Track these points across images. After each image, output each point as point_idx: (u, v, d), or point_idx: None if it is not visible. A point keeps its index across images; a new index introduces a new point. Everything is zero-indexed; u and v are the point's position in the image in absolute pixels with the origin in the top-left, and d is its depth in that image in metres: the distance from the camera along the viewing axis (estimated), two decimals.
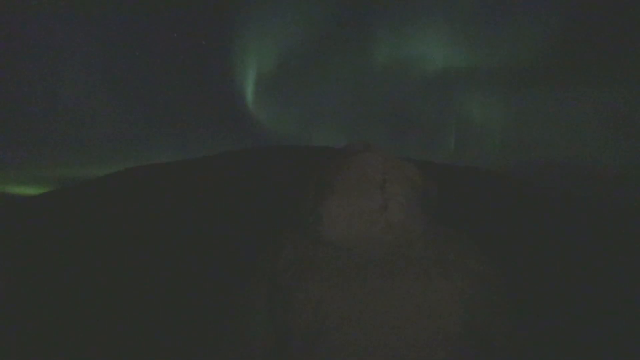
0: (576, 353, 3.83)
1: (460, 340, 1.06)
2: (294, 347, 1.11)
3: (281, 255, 1.28)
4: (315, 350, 1.08)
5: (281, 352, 1.16)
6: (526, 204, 8.18)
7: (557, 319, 4.26)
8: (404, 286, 1.09)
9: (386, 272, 1.12)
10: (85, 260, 4.90)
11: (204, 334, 3.53)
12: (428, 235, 1.24)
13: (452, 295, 1.08)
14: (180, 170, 8.29)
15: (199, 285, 4.20)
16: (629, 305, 4.86)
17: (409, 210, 1.24)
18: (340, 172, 1.30)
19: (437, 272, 1.11)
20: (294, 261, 1.23)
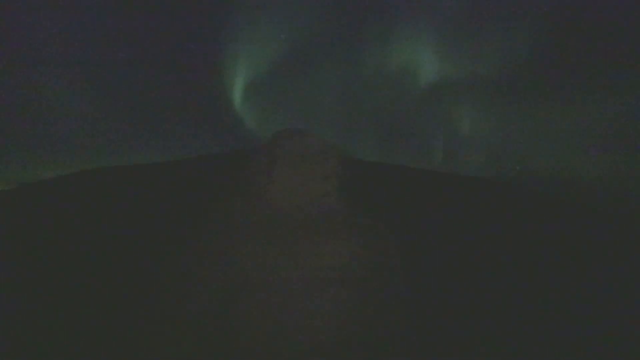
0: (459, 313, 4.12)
1: (346, 284, 1.78)
2: (240, 295, 1.62)
3: (232, 216, 1.84)
4: (257, 298, 1.65)
5: (229, 300, 1.67)
6: (504, 207, 8.29)
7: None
8: (321, 248, 1.82)
9: (312, 236, 1.80)
10: (47, 253, 5.04)
11: (162, 284, 3.53)
12: (342, 214, 1.94)
13: (350, 256, 1.82)
14: (149, 172, 8.24)
15: (159, 245, 4.18)
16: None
17: (336, 191, 2.00)
18: (283, 157, 2.01)
19: (342, 240, 1.83)
20: (244, 223, 1.82)
